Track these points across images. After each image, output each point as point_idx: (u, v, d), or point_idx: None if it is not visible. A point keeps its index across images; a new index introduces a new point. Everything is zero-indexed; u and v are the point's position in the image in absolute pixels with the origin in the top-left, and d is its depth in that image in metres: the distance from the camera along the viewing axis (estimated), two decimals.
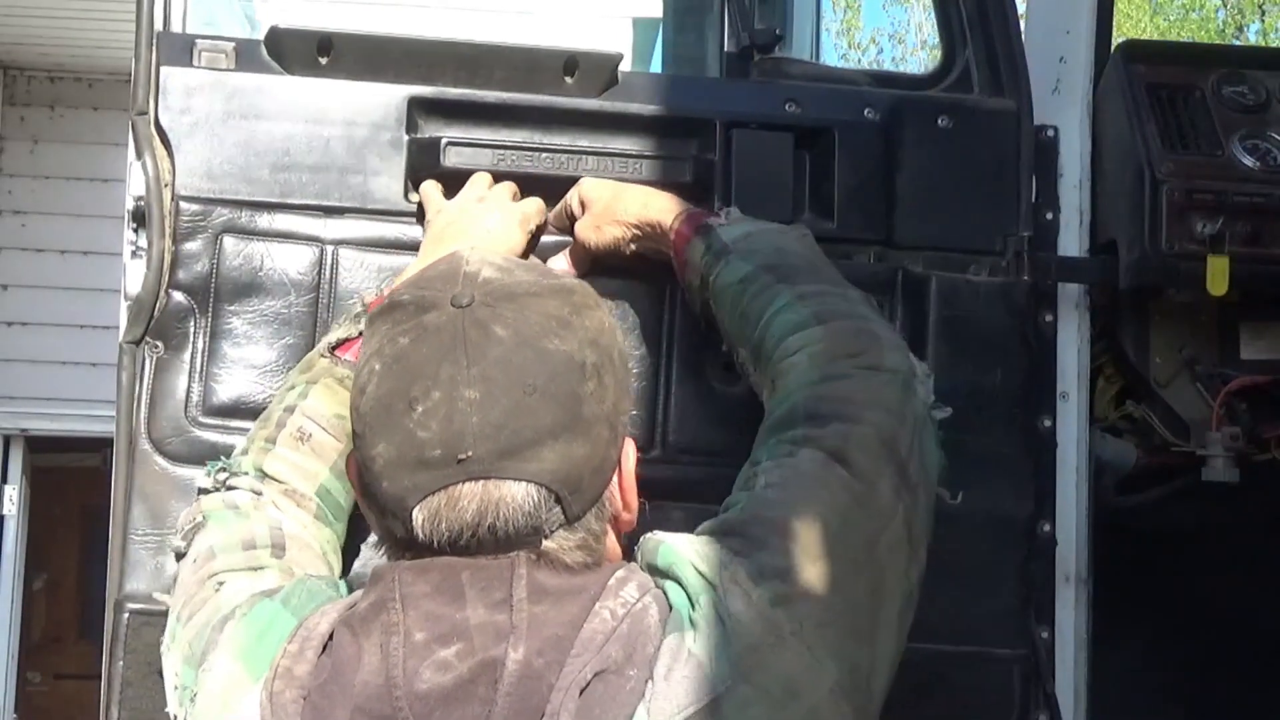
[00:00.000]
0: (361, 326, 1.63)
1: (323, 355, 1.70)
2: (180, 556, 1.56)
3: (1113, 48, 2.24)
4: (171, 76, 1.89)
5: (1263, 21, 13.28)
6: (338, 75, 1.93)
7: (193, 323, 1.87)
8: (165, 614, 1.56)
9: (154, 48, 1.89)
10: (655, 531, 1.38)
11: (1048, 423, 2.02)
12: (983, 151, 2.03)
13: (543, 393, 1.26)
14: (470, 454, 1.24)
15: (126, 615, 1.80)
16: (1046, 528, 2.01)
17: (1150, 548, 2.30)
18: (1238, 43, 12.87)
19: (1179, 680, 2.40)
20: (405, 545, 1.30)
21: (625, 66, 2.00)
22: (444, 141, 1.93)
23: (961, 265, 2.00)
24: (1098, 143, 2.13)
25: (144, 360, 1.85)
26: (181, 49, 1.91)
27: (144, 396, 1.85)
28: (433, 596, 1.26)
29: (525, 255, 1.82)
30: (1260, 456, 2.12)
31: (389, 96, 1.94)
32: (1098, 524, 2.09)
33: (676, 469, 1.91)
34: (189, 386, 1.86)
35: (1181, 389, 2.17)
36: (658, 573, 1.32)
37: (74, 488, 8.36)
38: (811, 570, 1.32)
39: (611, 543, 1.37)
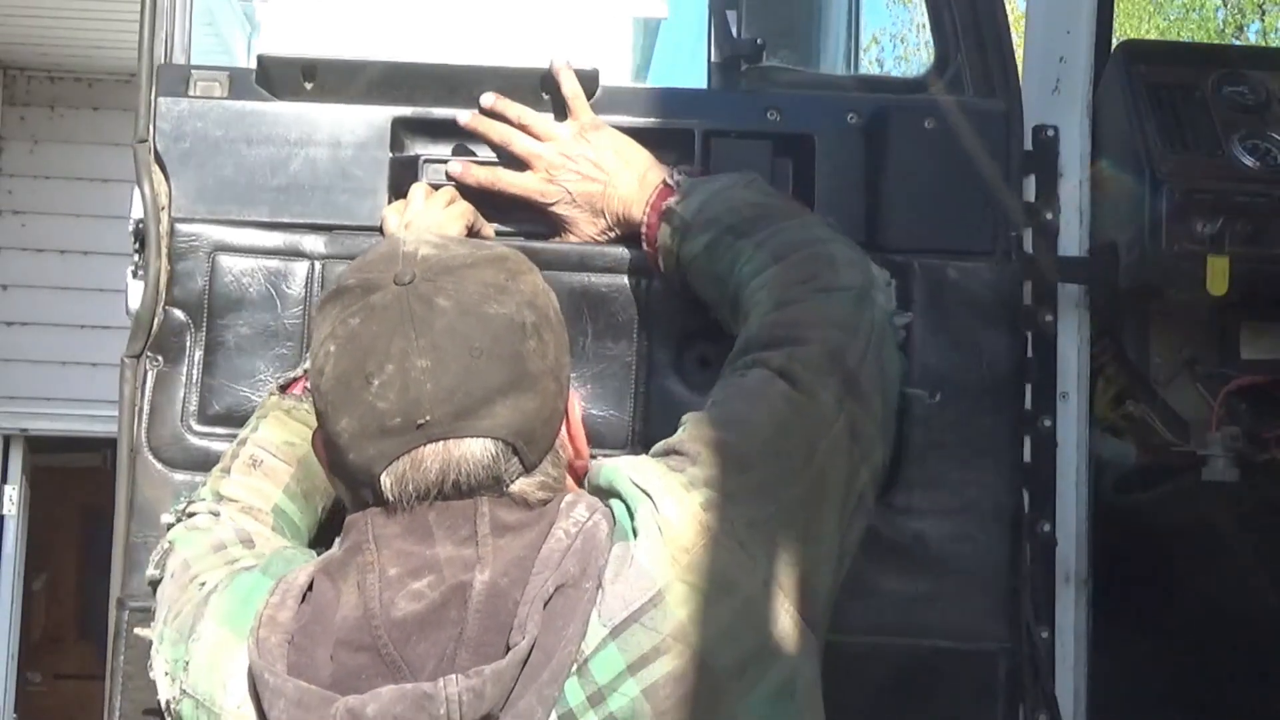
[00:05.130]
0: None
1: (271, 394, 1.80)
2: (155, 584, 1.63)
3: (1113, 48, 2.24)
4: (168, 106, 1.99)
5: (1263, 21, 13.26)
6: (323, 99, 2.02)
7: (189, 337, 1.96)
8: None
9: (154, 80, 1.98)
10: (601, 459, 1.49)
11: (1048, 423, 2.03)
12: (971, 153, 2.03)
13: (489, 354, 1.36)
14: (428, 418, 1.34)
15: (127, 612, 1.88)
16: (1046, 527, 2.01)
17: (1150, 547, 2.30)
18: (1238, 43, 12.86)
19: (1179, 680, 2.40)
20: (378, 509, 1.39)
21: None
22: (421, 159, 2.01)
23: (951, 264, 2.01)
24: (1098, 143, 2.13)
25: (144, 373, 1.96)
26: (179, 80, 2.00)
27: (144, 407, 1.95)
28: (403, 537, 1.35)
29: None
30: (1260, 456, 2.12)
31: (373, 118, 2.01)
32: (1098, 524, 2.09)
33: None
34: (185, 397, 1.96)
35: (1181, 389, 2.17)
36: (602, 493, 1.42)
37: (74, 488, 8.37)
38: (742, 476, 1.42)
39: (571, 486, 1.46)
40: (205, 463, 1.85)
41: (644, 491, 1.38)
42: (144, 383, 1.95)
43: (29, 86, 7.75)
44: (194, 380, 1.96)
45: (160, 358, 1.96)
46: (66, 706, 8.41)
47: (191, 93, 2.00)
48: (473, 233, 1.95)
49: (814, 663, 1.44)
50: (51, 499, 8.26)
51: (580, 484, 1.49)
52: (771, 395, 1.51)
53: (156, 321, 1.95)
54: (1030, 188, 2.09)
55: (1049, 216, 2.08)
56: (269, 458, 1.71)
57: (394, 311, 1.36)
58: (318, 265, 1.97)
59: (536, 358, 1.38)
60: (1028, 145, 2.09)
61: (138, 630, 1.78)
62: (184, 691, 1.44)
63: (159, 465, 1.94)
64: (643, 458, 1.46)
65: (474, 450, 1.35)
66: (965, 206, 2.01)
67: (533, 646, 1.28)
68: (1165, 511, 2.26)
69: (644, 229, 1.86)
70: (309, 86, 2.02)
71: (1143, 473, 2.18)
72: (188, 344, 1.96)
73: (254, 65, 2.03)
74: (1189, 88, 2.15)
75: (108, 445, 2.10)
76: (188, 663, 1.44)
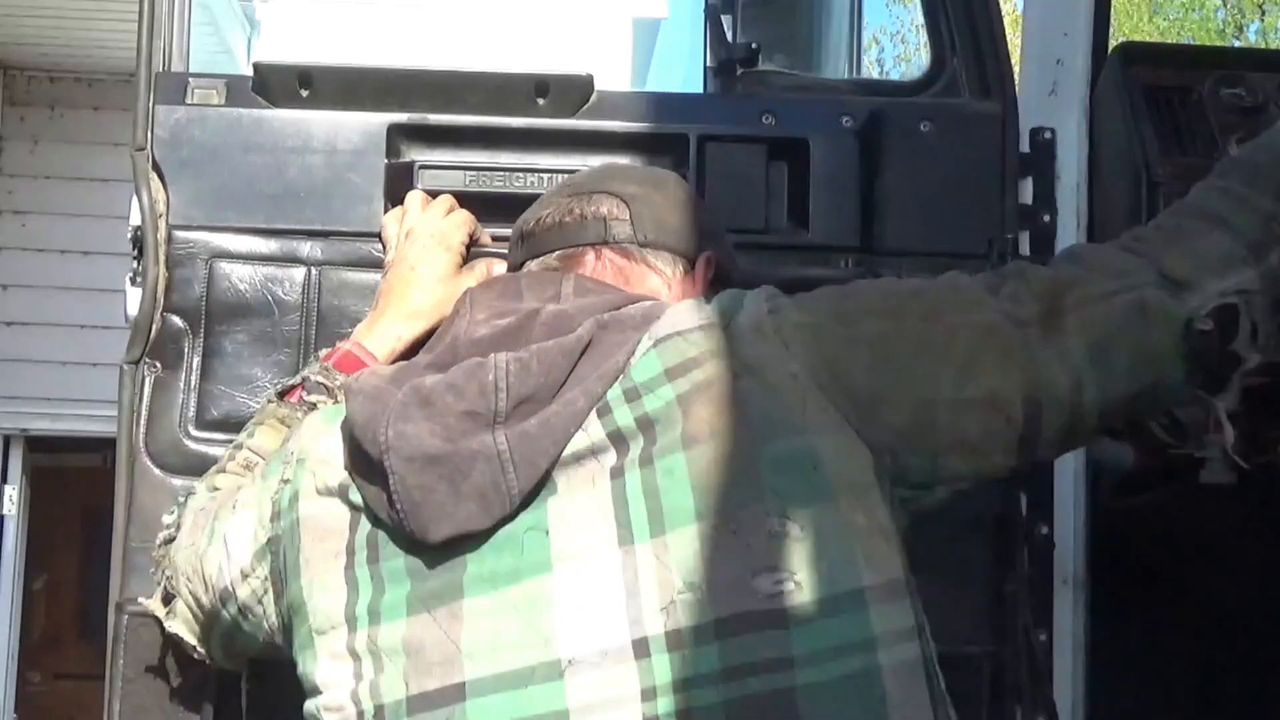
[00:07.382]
0: (310, 373, 1.80)
1: (269, 401, 1.83)
2: (170, 541, 1.71)
3: (1110, 49, 2.24)
4: (166, 114, 2.00)
5: (1262, 21, 13.25)
6: (319, 106, 2.03)
7: (187, 343, 1.98)
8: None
9: (152, 88, 2.00)
10: None
11: None
12: (966, 155, 2.03)
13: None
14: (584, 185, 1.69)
15: (126, 617, 1.90)
16: (1044, 530, 2.01)
17: (1148, 550, 2.30)
18: (1238, 43, 12.85)
19: (1178, 682, 2.39)
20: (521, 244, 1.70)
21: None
22: (416, 165, 2.02)
23: (946, 270, 2.01)
24: (1095, 145, 2.13)
25: (143, 378, 1.97)
26: (176, 87, 2.02)
27: (143, 413, 1.97)
28: (498, 298, 1.55)
29: (462, 265, 1.92)
30: (1259, 458, 2.12)
31: (368, 124, 2.02)
32: (1096, 526, 2.09)
33: None
34: (184, 403, 1.97)
35: None
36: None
37: (74, 488, 8.37)
38: (825, 298, 1.51)
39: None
40: (203, 468, 1.86)
41: (736, 300, 1.49)
42: (142, 388, 1.97)
43: (29, 86, 7.75)
44: (192, 386, 1.97)
45: (158, 363, 1.97)
46: (66, 706, 8.40)
47: (189, 100, 2.01)
48: (473, 240, 1.95)
49: (861, 467, 1.41)
50: (51, 499, 8.26)
51: None
52: (955, 276, 1.57)
53: (155, 328, 1.96)
54: (1028, 190, 2.09)
55: (1046, 219, 2.08)
56: (262, 463, 1.71)
57: None
58: (314, 271, 1.98)
59: (678, 186, 1.71)
60: (1025, 148, 2.09)
61: (143, 600, 1.79)
62: (284, 481, 1.53)
63: (157, 470, 1.95)
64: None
65: (600, 200, 1.63)
66: (960, 210, 2.01)
67: (585, 348, 1.43)
68: (1163, 514, 2.26)
69: None
70: (305, 93, 2.03)
71: (1140, 475, 2.17)
72: (186, 350, 1.97)
73: (251, 72, 2.04)
74: (1186, 89, 2.14)
75: (108, 445, 2.12)
76: (287, 463, 1.54)
